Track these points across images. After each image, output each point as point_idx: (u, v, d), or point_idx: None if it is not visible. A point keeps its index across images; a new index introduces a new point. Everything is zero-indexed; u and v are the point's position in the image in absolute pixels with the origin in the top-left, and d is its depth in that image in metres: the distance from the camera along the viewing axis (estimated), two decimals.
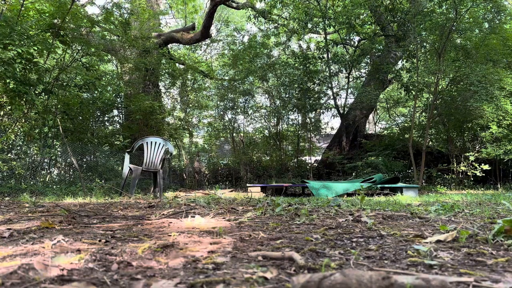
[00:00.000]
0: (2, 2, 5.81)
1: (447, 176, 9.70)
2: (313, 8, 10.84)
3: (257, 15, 12.68)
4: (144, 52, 10.27)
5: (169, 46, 13.03)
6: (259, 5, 13.60)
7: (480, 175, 9.05)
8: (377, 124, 19.14)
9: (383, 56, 11.66)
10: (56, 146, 7.39)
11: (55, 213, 2.54)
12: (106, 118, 10.14)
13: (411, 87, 10.32)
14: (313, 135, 12.72)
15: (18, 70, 5.30)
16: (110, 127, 10.47)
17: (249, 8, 12.73)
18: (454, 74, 8.95)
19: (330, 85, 11.35)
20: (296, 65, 11.38)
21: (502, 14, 9.10)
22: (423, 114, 10.48)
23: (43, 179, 7.19)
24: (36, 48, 5.39)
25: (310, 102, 11.07)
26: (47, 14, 6.12)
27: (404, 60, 11.15)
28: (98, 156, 8.67)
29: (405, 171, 10.16)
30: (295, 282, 0.78)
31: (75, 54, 7.05)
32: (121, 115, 10.71)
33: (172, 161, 11.66)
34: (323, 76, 11.48)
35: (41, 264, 0.95)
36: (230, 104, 12.08)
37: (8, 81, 5.54)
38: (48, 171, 7.49)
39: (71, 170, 7.72)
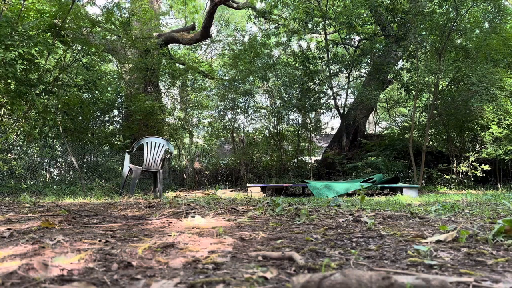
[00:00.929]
0: (3, 2, 5.81)
1: (447, 176, 9.69)
2: (314, 8, 10.84)
3: (257, 15, 12.69)
4: (144, 52, 10.27)
5: (169, 46, 13.03)
6: (259, 5, 13.60)
7: (480, 175, 9.05)
8: (377, 124, 19.14)
9: (383, 56, 11.66)
10: (56, 146, 7.40)
11: (55, 213, 2.54)
12: (106, 118, 10.15)
13: (411, 87, 10.31)
14: (313, 135, 12.72)
15: (19, 70, 5.30)
16: (110, 127, 10.48)
17: (249, 8, 12.73)
18: (454, 74, 8.94)
19: (330, 85, 11.35)
20: (296, 65, 11.37)
21: (503, 14, 9.09)
22: (423, 114, 10.47)
23: (43, 179, 7.19)
24: (37, 49, 5.39)
25: (310, 102, 11.07)
26: (47, 15, 6.12)
27: (404, 60, 11.15)
28: (98, 156, 8.67)
29: (405, 171, 10.16)
30: (295, 282, 0.78)
31: (75, 54, 7.06)
32: (121, 115, 10.72)
33: (172, 161, 11.66)
34: (323, 76, 11.48)
35: (41, 264, 0.95)
36: (230, 104, 12.08)
37: (9, 81, 5.55)
38: (48, 171, 7.49)
39: (71, 170, 7.72)
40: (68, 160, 7.53)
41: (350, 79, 12.14)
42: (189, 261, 1.09)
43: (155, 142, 5.94)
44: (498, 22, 9.18)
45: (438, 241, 1.39)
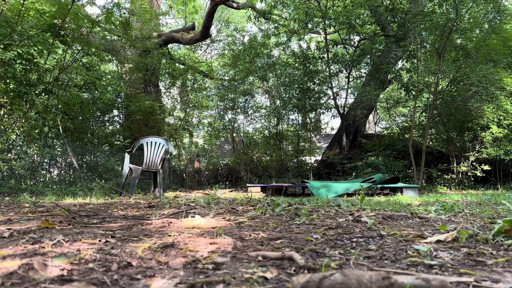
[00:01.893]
0: (2, 2, 5.80)
1: (447, 176, 9.70)
2: (313, 8, 10.84)
3: (257, 15, 12.69)
4: (144, 52, 10.27)
5: (169, 46, 13.04)
6: (259, 5, 13.60)
7: (480, 175, 9.05)
8: (377, 124, 19.15)
9: (383, 56, 11.66)
10: (56, 146, 7.39)
11: (55, 213, 2.54)
12: (106, 118, 10.14)
13: (411, 87, 10.31)
14: (313, 135, 12.72)
15: (18, 70, 5.30)
16: (110, 127, 10.48)
17: (249, 8, 12.73)
18: (454, 74, 8.94)
19: (330, 85, 11.35)
20: (296, 65, 11.37)
21: (503, 14, 9.10)
22: (423, 114, 10.47)
23: (43, 179, 7.19)
24: (36, 49, 5.39)
25: (310, 102, 11.06)
26: (47, 14, 6.11)
27: (404, 60, 11.15)
28: (98, 156, 8.67)
29: (405, 171, 10.16)
30: (295, 282, 0.78)
31: (75, 54, 7.05)
32: (121, 115, 10.71)
33: (172, 161, 11.66)
34: (323, 76, 11.48)
35: (41, 264, 0.95)
36: (230, 104, 12.08)
37: (8, 81, 5.54)
38: (48, 171, 7.49)
39: (71, 170, 7.72)
40: (68, 160, 7.52)
41: (350, 79, 12.14)
42: (189, 261, 1.08)
43: (155, 142, 5.94)
44: (498, 22, 9.19)
45: (438, 241, 1.39)
